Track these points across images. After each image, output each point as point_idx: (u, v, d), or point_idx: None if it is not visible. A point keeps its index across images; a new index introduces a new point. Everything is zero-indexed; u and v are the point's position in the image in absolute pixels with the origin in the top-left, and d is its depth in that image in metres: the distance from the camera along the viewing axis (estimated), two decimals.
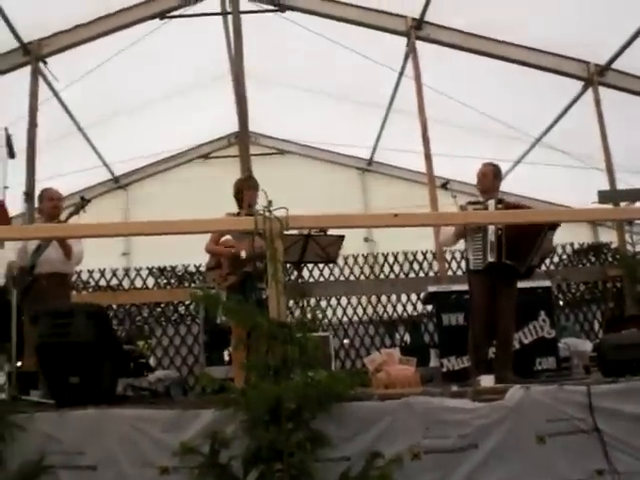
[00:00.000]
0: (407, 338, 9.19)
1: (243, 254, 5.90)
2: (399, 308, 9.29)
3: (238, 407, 3.62)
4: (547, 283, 7.31)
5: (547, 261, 9.18)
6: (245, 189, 6.16)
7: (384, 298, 9.36)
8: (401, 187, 13.36)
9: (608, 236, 11.29)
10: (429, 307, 8.73)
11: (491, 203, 5.88)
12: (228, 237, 6.15)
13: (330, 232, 5.60)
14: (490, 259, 5.74)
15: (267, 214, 4.01)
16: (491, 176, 6.17)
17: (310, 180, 13.05)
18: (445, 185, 6.04)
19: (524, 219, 4.96)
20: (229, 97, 11.59)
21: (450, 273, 9.13)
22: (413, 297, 9.28)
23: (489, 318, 5.84)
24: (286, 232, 4.08)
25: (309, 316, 3.99)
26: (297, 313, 6.38)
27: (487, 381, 4.24)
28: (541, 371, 6.99)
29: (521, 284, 6.90)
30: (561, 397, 4.05)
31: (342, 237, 5.60)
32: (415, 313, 9.21)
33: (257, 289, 5.56)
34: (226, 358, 8.44)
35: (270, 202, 4.01)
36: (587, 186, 10.30)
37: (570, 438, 4.00)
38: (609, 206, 8.96)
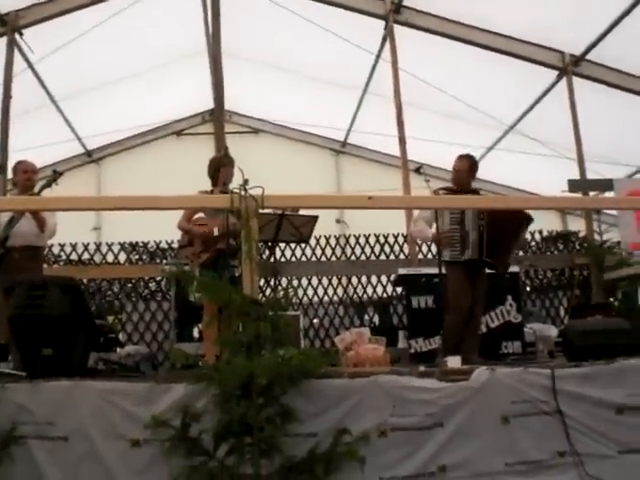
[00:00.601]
0: (376, 319, 9.27)
1: (216, 231, 5.95)
2: (369, 290, 9.36)
3: (210, 382, 3.67)
4: (515, 269, 7.40)
5: None
6: (222, 166, 6.19)
7: (354, 279, 9.42)
8: (374, 170, 13.41)
9: (577, 224, 11.48)
10: (399, 289, 8.83)
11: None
12: (201, 215, 6.19)
13: (304, 212, 5.67)
14: (470, 256, 5.86)
15: (243, 192, 4.05)
16: (465, 171, 6.23)
17: (284, 160, 13.05)
18: (419, 169, 6.11)
19: (494, 204, 5.05)
20: (205, 74, 11.55)
21: (420, 256, 9.18)
22: (383, 279, 9.35)
23: (467, 304, 5.96)
24: (261, 211, 4.12)
25: (281, 294, 4.04)
26: (269, 291, 6.49)
27: (454, 362, 4.33)
28: (507, 354, 7.12)
29: (489, 269, 7.07)
30: (525, 379, 4.16)
31: (316, 217, 5.66)
32: (385, 295, 9.28)
33: (230, 267, 5.59)
34: (196, 335, 8.50)
35: (246, 180, 4.04)
36: (559, 175, 10.46)
37: (533, 419, 4.13)
38: (578, 195, 9.13)
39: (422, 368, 4.24)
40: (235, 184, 4.19)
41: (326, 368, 3.96)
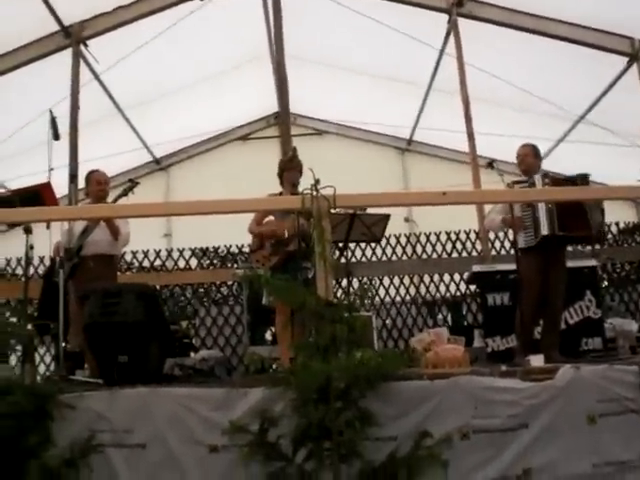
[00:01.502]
0: (449, 319, 9.12)
1: (286, 234, 5.93)
2: (442, 288, 9.21)
3: (287, 386, 3.63)
4: (593, 262, 7.19)
5: None
6: (285, 169, 6.16)
7: (426, 278, 9.28)
8: (442, 167, 13.20)
9: None
10: (472, 287, 8.67)
11: (537, 178, 5.82)
12: (271, 218, 6.17)
13: (373, 211, 5.59)
14: (544, 232, 5.68)
15: (314, 193, 3.99)
16: (532, 155, 6.14)
17: (349, 161, 12.95)
18: (491, 164, 5.96)
19: (568, 195, 4.86)
20: (268, 77, 11.59)
21: (493, 253, 8.99)
22: (456, 277, 9.19)
23: (540, 296, 5.79)
24: (332, 211, 4.06)
25: (357, 295, 3.98)
26: (342, 293, 6.43)
27: (536, 361, 4.19)
28: (587, 351, 6.88)
29: (567, 263, 6.86)
30: (611, 377, 4.00)
31: (387, 216, 5.57)
32: (457, 293, 9.12)
33: (302, 269, 5.54)
34: (269, 338, 8.51)
35: (317, 180, 3.99)
36: (632, 164, 10.13)
37: (620, 418, 3.96)
38: None
39: (503, 368, 4.11)
40: (304, 185, 4.15)
41: (404, 370, 3.87)
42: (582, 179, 5.70)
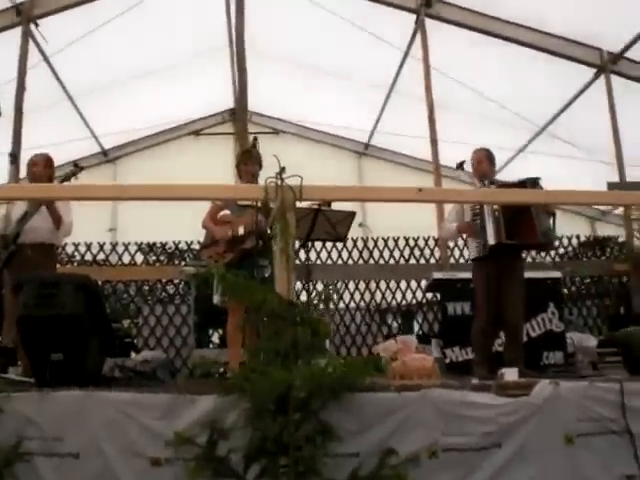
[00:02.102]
0: (396, 327, 8.83)
1: (241, 230, 5.54)
2: (398, 295, 8.90)
3: (241, 394, 3.25)
4: (557, 274, 6.99)
5: (552, 253, 8.89)
6: (246, 161, 5.79)
7: (382, 284, 8.96)
8: (398, 173, 13.01)
9: (606, 230, 11.03)
10: (429, 295, 8.41)
11: (491, 188, 5.61)
12: (226, 212, 5.78)
13: (338, 208, 5.25)
14: (490, 241, 5.42)
15: (279, 182, 3.63)
16: (486, 161, 5.87)
17: (305, 162, 12.45)
18: (461, 165, 5.67)
19: (553, 199, 4.57)
20: (225, 72, 11.20)
21: (452, 261, 8.73)
22: (412, 284, 8.90)
23: (495, 307, 5.53)
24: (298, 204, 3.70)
25: (320, 297, 3.61)
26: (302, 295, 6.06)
27: (510, 374, 3.89)
28: (548, 366, 6.68)
29: (530, 274, 6.64)
30: (592, 395, 3.72)
31: (353, 214, 5.21)
32: (414, 301, 8.83)
33: (259, 267, 5.17)
34: (216, 340, 8.11)
35: (283, 169, 3.63)
36: (591, 178, 10.00)
37: (599, 439, 3.68)
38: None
39: (475, 381, 3.79)
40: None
41: (369, 380, 3.52)
42: (532, 183, 5.45)
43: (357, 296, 8.84)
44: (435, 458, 3.51)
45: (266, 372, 3.23)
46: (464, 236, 6.24)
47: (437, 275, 6.94)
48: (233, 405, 3.36)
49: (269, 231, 5.56)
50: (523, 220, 5.40)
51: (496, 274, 5.52)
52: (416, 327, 8.68)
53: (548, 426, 3.61)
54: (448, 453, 3.52)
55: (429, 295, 8.40)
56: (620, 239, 9.28)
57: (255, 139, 5.52)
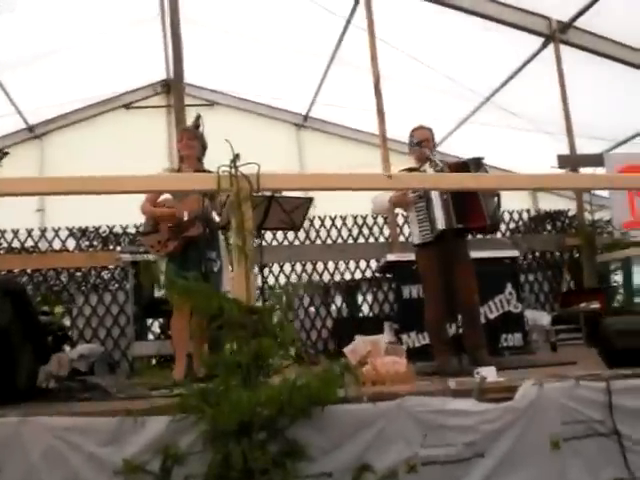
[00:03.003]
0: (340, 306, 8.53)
1: (185, 215, 5.08)
2: (347, 276, 8.58)
3: (200, 415, 2.85)
4: (514, 253, 6.75)
5: (503, 228, 8.71)
6: (178, 141, 5.35)
7: (331, 265, 8.62)
8: (340, 146, 12.65)
9: (547, 204, 10.92)
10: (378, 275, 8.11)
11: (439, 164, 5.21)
12: (167, 196, 5.30)
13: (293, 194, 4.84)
14: (440, 226, 5.08)
15: (233, 171, 3.22)
16: (432, 139, 5.47)
17: (242, 135, 11.90)
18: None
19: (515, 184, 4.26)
20: (156, 42, 10.61)
21: (402, 239, 8.41)
22: (361, 264, 8.60)
23: (447, 294, 5.23)
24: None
25: (280, 296, 3.21)
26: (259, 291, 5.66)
27: (488, 373, 3.59)
28: (507, 348, 6.46)
29: (486, 254, 6.42)
30: (578, 395, 3.45)
31: (310, 200, 4.81)
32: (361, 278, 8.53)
33: (206, 259, 4.74)
34: (156, 330, 7.67)
35: (237, 155, 3.21)
36: (539, 150, 9.85)
37: (587, 442, 3.43)
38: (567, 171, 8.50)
39: (453, 384, 3.47)
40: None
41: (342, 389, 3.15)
42: (475, 164, 5.13)
43: (305, 277, 8.48)
44: (414, 473, 3.18)
45: (227, 390, 2.85)
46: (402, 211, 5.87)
47: (391, 257, 6.61)
48: (189, 427, 2.96)
49: (216, 217, 5.17)
50: (470, 202, 5.09)
51: (444, 259, 5.19)
52: (365, 307, 8.39)
53: (533, 431, 3.33)
54: (428, 467, 3.20)
55: (378, 275, 8.10)
56: (570, 213, 9.11)
57: (198, 116, 5.04)
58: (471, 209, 5.09)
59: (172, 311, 5.08)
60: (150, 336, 7.49)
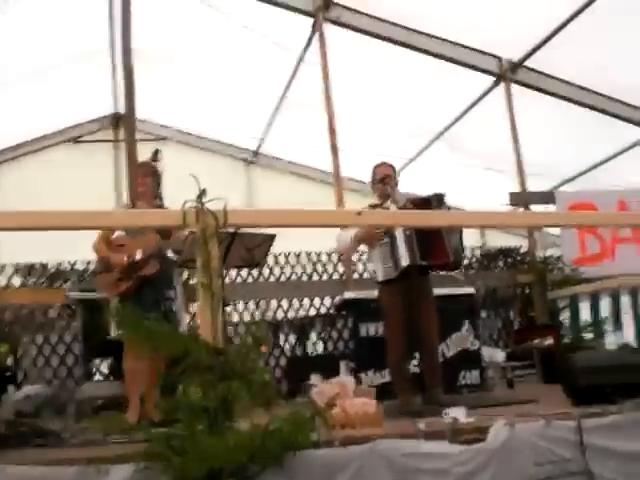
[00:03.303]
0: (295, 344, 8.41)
1: (139, 255, 4.93)
2: (301, 314, 8.46)
3: (168, 465, 2.70)
4: (470, 290, 6.72)
5: None
6: (140, 178, 5.20)
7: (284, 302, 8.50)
8: (288, 182, 12.64)
9: (496, 240, 11.03)
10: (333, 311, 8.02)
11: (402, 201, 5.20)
12: (120, 233, 5.14)
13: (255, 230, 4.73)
14: (404, 263, 5.04)
15: (199, 207, 3.11)
16: (394, 178, 5.46)
17: (191, 171, 11.92)
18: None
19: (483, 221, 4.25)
20: (105, 76, 10.47)
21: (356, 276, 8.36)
22: (315, 302, 8.50)
23: (408, 330, 5.18)
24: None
25: (251, 336, 3.10)
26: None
27: (457, 413, 3.52)
28: (464, 386, 6.40)
29: (444, 291, 6.36)
30: (549, 435, 3.40)
31: (273, 237, 4.71)
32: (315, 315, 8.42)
33: (165, 299, 4.60)
34: (104, 370, 7.42)
35: (204, 190, 3.12)
36: (491, 187, 9.96)
37: None
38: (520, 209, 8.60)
39: (422, 426, 3.39)
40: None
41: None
42: (438, 200, 5.14)
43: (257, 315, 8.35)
44: None
45: (193, 436, 2.71)
46: (364, 248, 5.84)
47: (348, 294, 6.52)
48: (155, 476, 2.81)
49: (172, 254, 5.03)
50: (433, 239, 5.07)
51: (408, 296, 5.14)
52: (320, 346, 8.28)
53: (507, 473, 3.26)
54: None
55: (333, 311, 8.01)
56: (522, 250, 9.20)
57: (157, 151, 4.92)
58: (434, 246, 5.06)
59: (123, 351, 4.91)
60: (99, 377, 7.23)
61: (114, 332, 4.77)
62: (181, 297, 5.07)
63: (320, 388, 3.52)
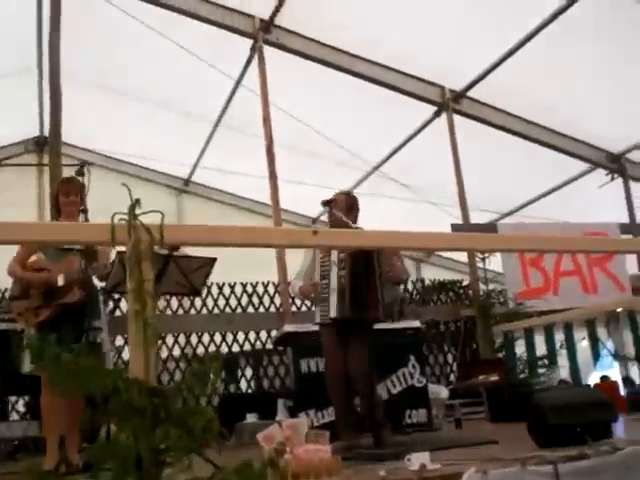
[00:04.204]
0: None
1: (60, 280, 4.41)
2: (235, 348, 8.00)
3: None
4: (416, 324, 6.41)
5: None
6: (63, 195, 4.71)
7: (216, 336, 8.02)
8: (220, 211, 12.25)
9: (430, 272, 10.85)
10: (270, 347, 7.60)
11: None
12: (40, 255, 4.62)
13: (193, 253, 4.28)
14: (332, 314, 4.74)
15: (131, 221, 2.67)
16: (345, 204, 5.09)
17: (119, 198, 11.37)
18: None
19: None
20: (29, 97, 9.91)
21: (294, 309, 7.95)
22: (250, 335, 8.05)
23: (346, 373, 4.83)
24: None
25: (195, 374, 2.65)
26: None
27: (423, 460, 3.13)
28: (410, 425, 6.05)
29: (389, 325, 6.02)
30: None
31: (214, 260, 4.25)
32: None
33: (90, 328, 4.10)
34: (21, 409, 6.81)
35: (137, 200, 2.68)
36: (431, 220, 9.72)
37: None
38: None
39: (383, 473, 2.98)
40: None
41: None
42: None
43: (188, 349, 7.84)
44: None
45: None
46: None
47: (289, 328, 6.11)
48: None
49: (97, 281, 4.55)
50: (367, 293, 4.75)
51: (344, 336, 4.83)
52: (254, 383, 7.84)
53: None
54: None
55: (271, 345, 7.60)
56: (464, 283, 8.96)
57: (83, 165, 4.45)
58: (368, 299, 4.75)
59: (41, 388, 4.38)
60: (14, 416, 6.62)
61: (27, 366, 4.25)
62: (106, 328, 4.58)
63: (268, 431, 3.09)
